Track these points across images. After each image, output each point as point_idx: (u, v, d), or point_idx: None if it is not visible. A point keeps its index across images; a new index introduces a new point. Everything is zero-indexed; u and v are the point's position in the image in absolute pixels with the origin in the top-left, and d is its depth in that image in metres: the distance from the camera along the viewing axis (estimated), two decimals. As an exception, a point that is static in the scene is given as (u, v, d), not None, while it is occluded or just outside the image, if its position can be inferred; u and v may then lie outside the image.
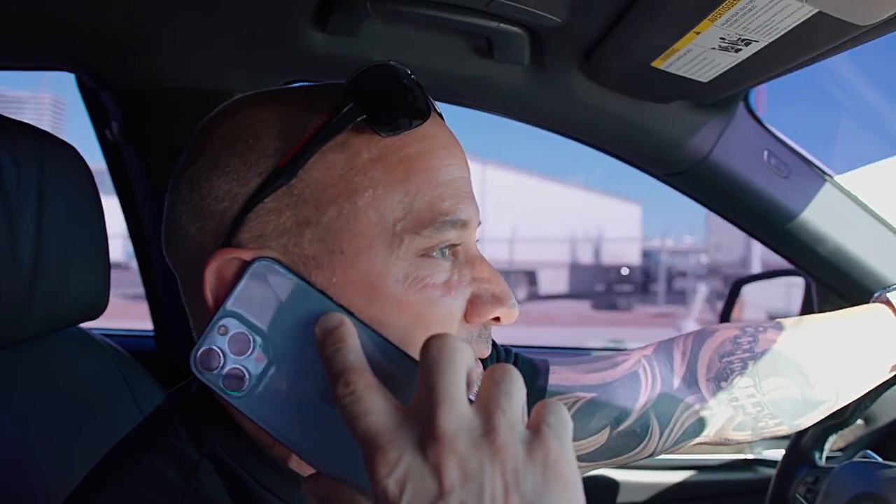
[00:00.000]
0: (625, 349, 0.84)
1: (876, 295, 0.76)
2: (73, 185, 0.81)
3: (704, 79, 0.88)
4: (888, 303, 0.74)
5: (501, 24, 0.87)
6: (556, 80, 0.98)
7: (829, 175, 1.15)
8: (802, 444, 1.05)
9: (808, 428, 0.99)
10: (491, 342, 0.54)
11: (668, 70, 0.87)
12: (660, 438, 0.74)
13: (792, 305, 1.47)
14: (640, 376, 0.75)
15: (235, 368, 0.42)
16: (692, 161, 1.08)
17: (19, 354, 0.80)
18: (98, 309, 0.87)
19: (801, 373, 0.73)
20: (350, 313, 0.42)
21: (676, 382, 0.75)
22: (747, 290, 1.64)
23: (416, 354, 0.40)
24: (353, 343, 0.40)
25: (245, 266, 0.45)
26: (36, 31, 0.92)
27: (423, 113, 0.49)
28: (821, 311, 1.34)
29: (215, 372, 0.42)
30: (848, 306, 1.27)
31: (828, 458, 1.05)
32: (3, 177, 0.72)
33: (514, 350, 0.78)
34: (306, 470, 0.43)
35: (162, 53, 0.97)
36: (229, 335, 0.42)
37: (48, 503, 0.75)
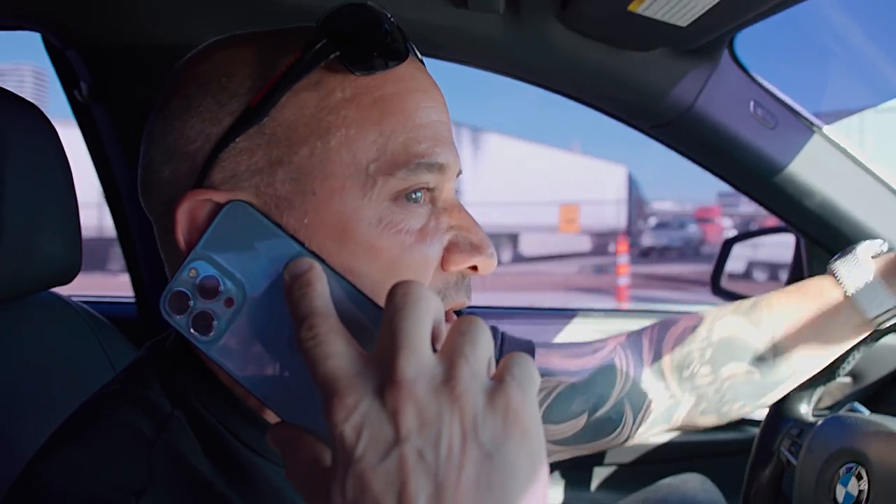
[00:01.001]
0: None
1: (830, 262, 0.75)
2: (38, 145, 0.79)
3: (684, 22, 0.85)
4: (833, 275, 0.73)
5: (474, -30, 0.84)
6: (532, 28, 0.95)
7: (818, 126, 1.12)
8: (788, 398, 1.04)
9: None
10: (470, 292, 0.53)
11: (646, 14, 0.84)
12: (633, 425, 0.76)
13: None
14: (616, 364, 0.76)
15: (204, 312, 0.41)
16: (675, 112, 1.05)
17: (-13, 317, 0.79)
18: (70, 273, 0.85)
19: (757, 356, 0.74)
20: (321, 259, 0.42)
21: (645, 371, 0.77)
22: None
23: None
24: (320, 288, 0.39)
25: (218, 208, 0.44)
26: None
27: (399, 53, 0.48)
28: (810, 267, 1.33)
29: (184, 315, 0.42)
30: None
31: (816, 414, 1.05)
32: None
33: (500, 330, 0.78)
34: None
35: (127, 9, 0.95)
36: (199, 278, 0.42)
37: (13, 466, 0.74)
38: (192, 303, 0.42)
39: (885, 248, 0.74)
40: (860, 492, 0.75)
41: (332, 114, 0.46)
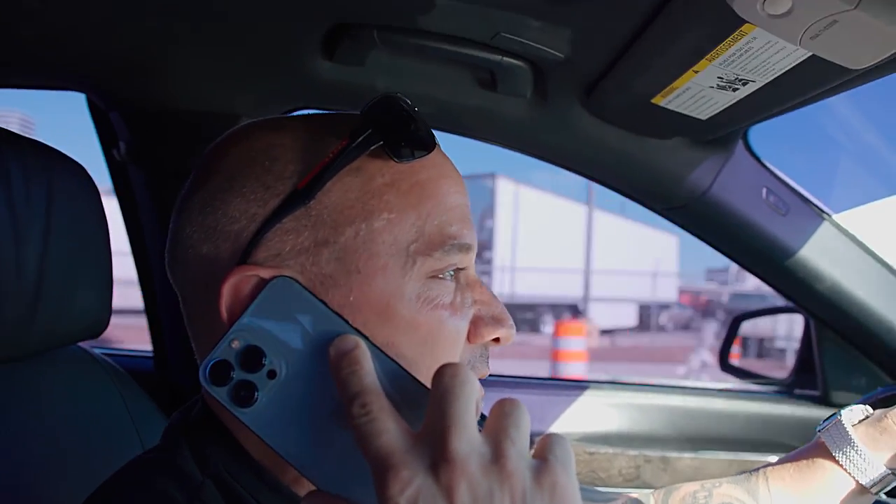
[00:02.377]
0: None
1: (817, 430, 0.74)
2: (81, 203, 0.82)
3: (703, 116, 0.89)
4: (823, 444, 0.73)
5: (505, 58, 0.89)
6: (558, 113, 0.99)
7: (828, 213, 1.16)
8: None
9: None
10: (488, 362, 0.55)
11: (668, 107, 0.88)
12: None
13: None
14: None
15: (245, 383, 0.42)
16: (691, 196, 1.09)
17: (19, 371, 0.81)
18: (99, 327, 0.87)
19: None
20: (364, 336, 0.43)
21: None
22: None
23: (425, 375, 0.41)
24: (368, 366, 0.41)
25: (263, 283, 0.46)
26: (49, 52, 0.94)
27: (431, 142, 0.51)
28: (819, 348, 1.35)
29: (225, 386, 0.42)
30: (846, 344, 1.29)
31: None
32: (12, 191, 0.73)
33: None
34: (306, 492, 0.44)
35: (172, 77, 0.99)
36: (242, 349, 0.43)
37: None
38: (234, 373, 0.42)
39: (868, 411, 0.73)
40: None
41: (374, 198, 0.49)
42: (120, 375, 0.99)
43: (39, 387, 0.84)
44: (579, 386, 1.32)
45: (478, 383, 0.39)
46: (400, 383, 0.42)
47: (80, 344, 0.93)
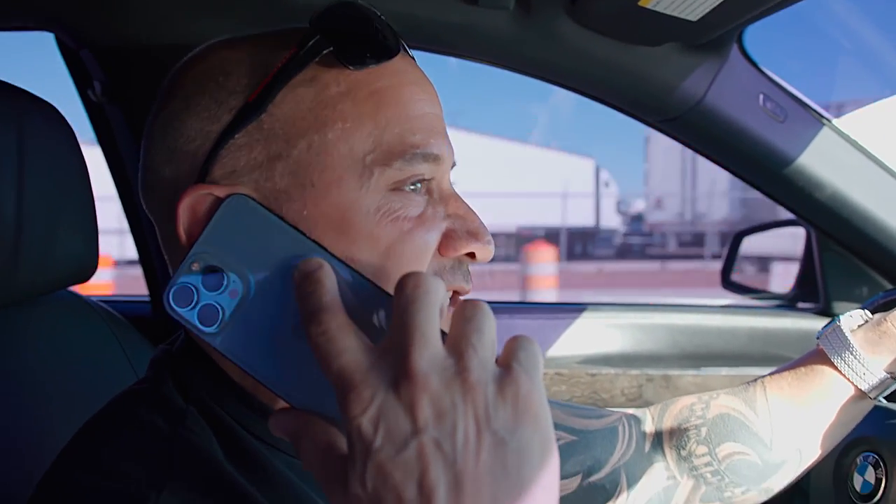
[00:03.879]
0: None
1: (816, 338, 0.73)
2: (55, 145, 0.80)
3: (693, 17, 0.86)
4: (822, 351, 0.71)
5: (484, -33, 0.85)
6: (542, 25, 0.96)
7: (827, 118, 1.13)
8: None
9: None
10: (470, 279, 0.54)
11: (656, 9, 0.85)
12: (627, 500, 0.74)
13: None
14: (619, 432, 0.76)
15: (208, 304, 0.42)
16: (686, 106, 1.06)
17: (8, 317, 0.80)
18: (87, 272, 0.87)
19: (754, 435, 0.73)
20: (324, 248, 0.43)
21: (646, 445, 0.76)
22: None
23: (389, 286, 0.40)
24: (329, 284, 0.40)
25: (218, 202, 0.45)
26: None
27: (391, 49, 0.49)
28: (820, 258, 1.33)
29: (189, 308, 0.42)
30: (848, 254, 1.28)
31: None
32: None
33: None
34: None
35: (141, 9, 0.96)
36: (202, 271, 0.42)
37: (39, 463, 0.75)
38: (196, 296, 0.42)
39: (867, 316, 0.71)
40: (877, 480, 0.75)
41: (328, 108, 0.48)
42: (115, 319, 0.99)
43: (31, 331, 0.84)
44: (579, 308, 1.32)
45: (442, 290, 0.38)
46: (364, 294, 0.42)
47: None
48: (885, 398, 0.92)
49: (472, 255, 0.52)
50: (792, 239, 1.56)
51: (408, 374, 0.34)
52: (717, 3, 0.81)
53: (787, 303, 1.47)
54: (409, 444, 0.33)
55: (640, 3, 0.84)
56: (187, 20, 0.98)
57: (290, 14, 0.96)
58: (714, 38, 0.98)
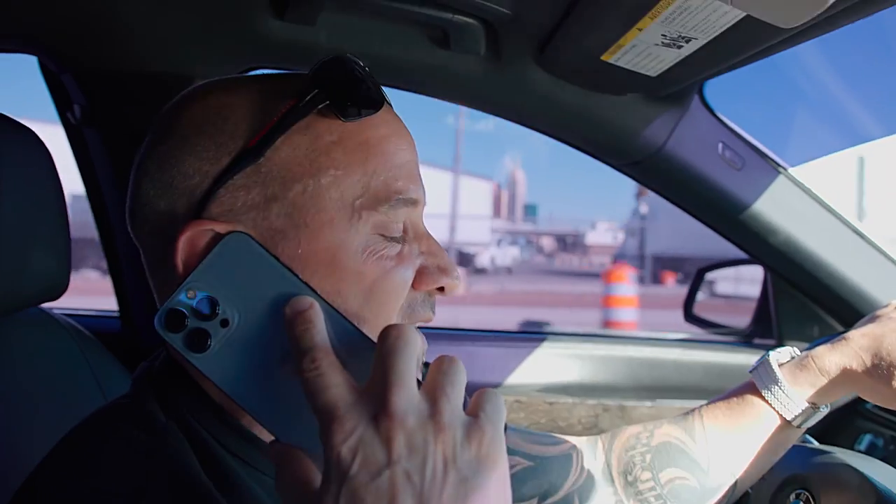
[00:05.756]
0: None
1: (749, 371, 0.79)
2: (31, 168, 0.82)
3: (653, 73, 0.90)
4: (753, 383, 0.77)
5: (456, 16, 0.89)
6: (512, 70, 1.00)
7: (783, 167, 1.18)
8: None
9: None
10: (434, 309, 0.58)
11: (618, 64, 0.89)
12: None
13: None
14: (573, 459, 0.80)
15: (199, 330, 0.44)
16: (647, 152, 1.10)
17: (-23, 334, 0.82)
18: (58, 289, 0.88)
19: (693, 461, 0.78)
20: (314, 291, 0.46)
21: (597, 472, 0.81)
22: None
23: (371, 321, 0.48)
24: (320, 324, 0.44)
25: (218, 237, 0.48)
26: (-2, 13, 0.92)
27: (378, 102, 0.54)
28: (776, 299, 1.38)
29: (179, 333, 0.44)
30: (801, 296, 1.32)
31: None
32: None
33: None
34: (267, 436, 0.47)
35: (124, 37, 0.98)
36: (196, 298, 0.45)
37: (10, 478, 0.76)
38: (188, 321, 0.44)
39: (794, 353, 0.78)
40: None
41: (322, 155, 0.52)
42: (83, 336, 1.00)
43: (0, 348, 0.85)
44: (539, 337, 1.35)
45: (420, 342, 0.42)
46: (348, 338, 0.45)
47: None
48: (818, 440, 0.97)
49: (440, 289, 0.57)
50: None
51: (387, 411, 0.39)
52: (675, 62, 0.86)
53: (744, 339, 1.51)
54: (382, 473, 0.37)
55: (602, 58, 0.88)
56: (167, 50, 1.00)
57: (268, 51, 0.99)
58: (674, 90, 1.02)
